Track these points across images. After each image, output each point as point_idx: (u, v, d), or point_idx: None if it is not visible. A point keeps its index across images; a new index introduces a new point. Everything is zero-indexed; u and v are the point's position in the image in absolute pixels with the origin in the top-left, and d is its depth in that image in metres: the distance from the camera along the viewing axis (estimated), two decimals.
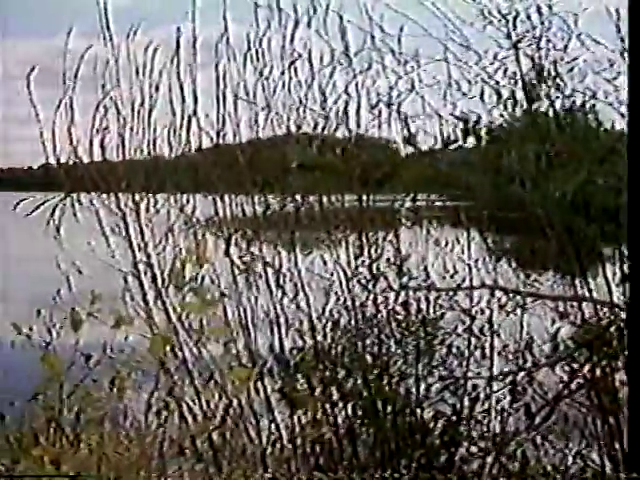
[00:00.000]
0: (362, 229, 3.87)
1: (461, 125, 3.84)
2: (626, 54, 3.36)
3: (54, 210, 3.77)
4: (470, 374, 3.85)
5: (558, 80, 3.77)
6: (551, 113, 3.85)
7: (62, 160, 3.94)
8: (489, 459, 3.82)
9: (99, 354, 3.44)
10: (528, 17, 3.77)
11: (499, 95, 3.79)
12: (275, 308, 3.94)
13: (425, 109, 3.91)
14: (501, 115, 3.83)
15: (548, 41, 3.77)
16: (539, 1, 3.76)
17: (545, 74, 3.75)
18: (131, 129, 4.02)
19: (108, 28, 3.89)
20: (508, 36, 3.79)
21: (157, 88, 3.92)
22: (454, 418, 3.71)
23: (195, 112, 3.93)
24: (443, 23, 3.83)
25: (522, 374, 3.75)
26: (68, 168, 4.01)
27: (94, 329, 3.45)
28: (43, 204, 3.75)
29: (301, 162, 3.78)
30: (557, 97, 3.81)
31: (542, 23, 3.74)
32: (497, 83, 3.80)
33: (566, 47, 3.78)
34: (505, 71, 3.79)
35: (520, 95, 3.79)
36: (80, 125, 3.99)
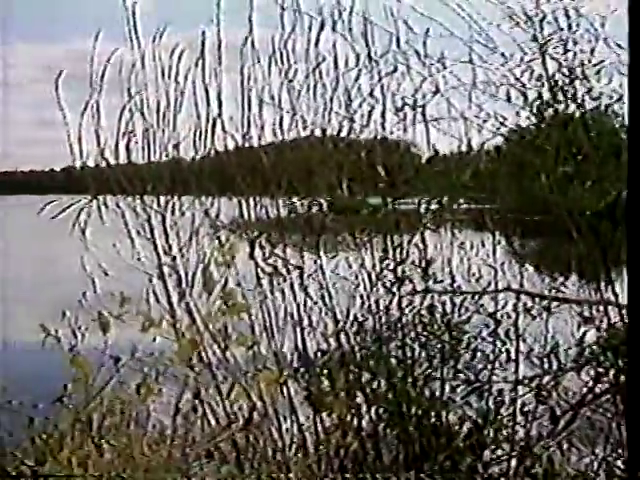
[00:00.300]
0: (387, 232, 3.86)
1: (488, 128, 3.83)
2: None
3: (80, 213, 3.78)
4: (495, 378, 3.84)
5: (585, 82, 3.75)
6: (578, 116, 3.83)
7: (89, 163, 3.95)
8: (513, 463, 3.81)
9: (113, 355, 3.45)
10: (555, 19, 3.75)
11: (525, 97, 3.78)
12: (299, 311, 3.94)
13: (450, 111, 3.90)
14: (527, 118, 3.81)
15: (575, 43, 3.76)
16: (566, 3, 3.75)
17: (572, 76, 3.73)
18: (154, 132, 4.03)
19: (136, 32, 3.90)
20: (534, 38, 3.78)
21: (182, 93, 3.92)
22: (480, 421, 3.69)
23: (220, 115, 3.93)
24: (468, 25, 3.83)
25: (547, 378, 3.73)
26: (93, 171, 4.03)
27: (117, 331, 3.47)
28: (70, 207, 3.77)
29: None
30: (584, 100, 3.80)
31: (569, 26, 3.72)
32: (523, 85, 3.78)
33: (593, 50, 3.76)
34: (531, 73, 3.77)
35: (547, 97, 3.77)
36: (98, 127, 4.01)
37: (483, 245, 3.93)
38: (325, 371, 3.70)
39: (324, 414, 3.75)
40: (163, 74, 3.95)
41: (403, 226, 3.91)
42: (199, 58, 3.91)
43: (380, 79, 3.91)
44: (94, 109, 3.88)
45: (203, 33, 3.92)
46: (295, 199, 3.93)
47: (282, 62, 3.97)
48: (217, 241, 3.81)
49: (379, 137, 4.05)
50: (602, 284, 3.92)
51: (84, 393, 3.36)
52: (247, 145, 4.08)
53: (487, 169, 3.98)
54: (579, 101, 3.84)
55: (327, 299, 3.87)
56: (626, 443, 3.39)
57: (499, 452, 3.77)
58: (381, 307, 3.83)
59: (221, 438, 3.49)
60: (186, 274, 3.83)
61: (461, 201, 4.17)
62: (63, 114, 3.90)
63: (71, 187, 5.40)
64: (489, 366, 3.79)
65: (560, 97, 3.76)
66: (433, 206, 3.86)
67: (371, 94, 3.91)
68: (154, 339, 3.09)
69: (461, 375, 3.74)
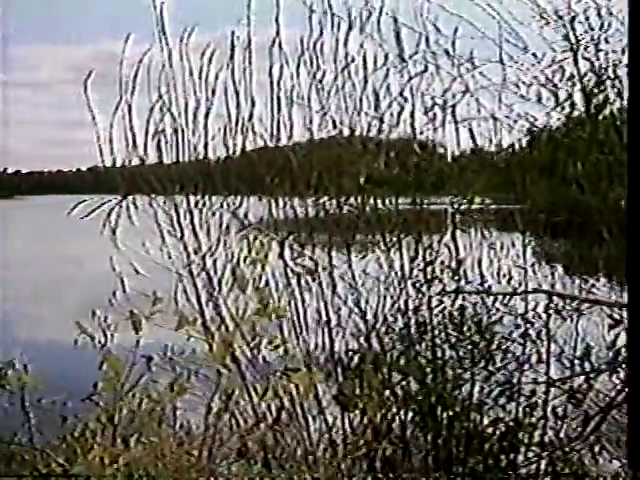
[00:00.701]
0: (417, 232, 3.85)
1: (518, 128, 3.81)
2: None
3: (110, 212, 3.80)
4: (525, 379, 3.82)
5: (617, 83, 3.72)
6: (609, 116, 3.80)
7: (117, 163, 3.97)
8: (542, 465, 3.79)
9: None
10: (586, 19, 3.73)
11: (557, 98, 3.75)
12: (327, 311, 3.93)
13: (480, 111, 3.89)
14: (559, 118, 3.79)
15: (607, 43, 3.73)
16: (597, 2, 3.72)
17: (604, 76, 3.70)
18: (183, 131, 4.04)
19: (164, 32, 3.91)
20: (566, 38, 3.75)
21: (213, 92, 3.93)
22: (511, 423, 3.67)
23: (252, 116, 3.94)
24: (499, 24, 3.80)
25: (579, 381, 3.71)
26: (121, 171, 4.04)
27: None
28: (100, 207, 3.78)
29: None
30: (615, 100, 3.77)
31: (601, 25, 3.69)
32: (555, 86, 3.76)
33: (624, 49, 3.72)
34: (563, 73, 3.74)
35: (578, 98, 3.75)
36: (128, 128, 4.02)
37: (513, 245, 3.91)
38: (355, 371, 3.70)
39: (352, 414, 3.75)
40: (191, 74, 3.96)
41: (433, 226, 3.90)
42: (229, 59, 3.92)
43: (410, 79, 3.90)
44: (125, 110, 3.90)
45: (232, 33, 3.93)
46: (325, 199, 3.93)
47: (311, 63, 3.97)
48: (245, 240, 3.81)
49: (406, 137, 4.04)
50: None
51: (114, 391, 3.37)
52: (275, 145, 4.08)
53: (518, 165, 3.96)
54: (610, 101, 3.81)
55: (357, 299, 3.87)
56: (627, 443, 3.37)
57: (529, 454, 3.75)
58: (410, 307, 3.83)
59: (249, 437, 3.49)
60: (215, 273, 3.85)
61: (489, 201, 4.16)
62: (92, 115, 3.92)
63: (98, 187, 5.42)
64: (520, 367, 3.78)
65: (592, 97, 3.73)
66: (463, 206, 3.85)
67: (401, 94, 3.91)
68: (188, 338, 3.09)
69: (492, 376, 3.72)
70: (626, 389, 3.77)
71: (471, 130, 3.86)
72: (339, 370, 3.85)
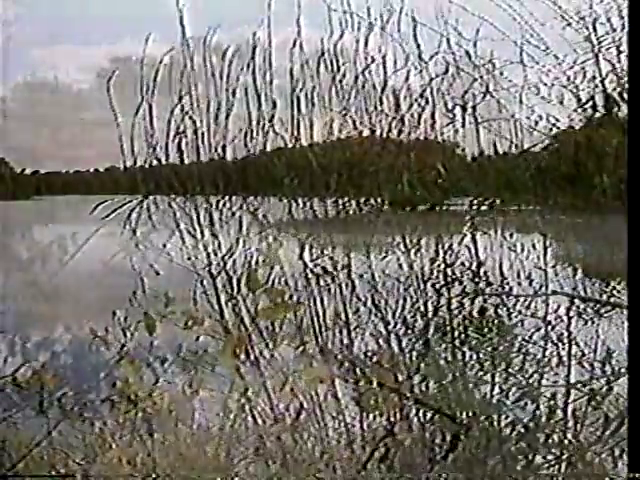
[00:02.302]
0: (438, 233, 3.85)
1: (538, 129, 3.79)
2: None
3: (131, 212, 3.82)
4: (545, 382, 3.79)
5: None
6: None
7: (138, 163, 3.98)
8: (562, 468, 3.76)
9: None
10: (608, 20, 3.71)
11: (578, 99, 3.74)
12: (346, 311, 3.93)
13: (501, 112, 3.88)
14: (580, 119, 3.77)
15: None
16: (619, 3, 3.70)
17: (625, 78, 3.67)
18: (202, 133, 4.05)
19: (183, 34, 3.93)
20: (587, 39, 3.73)
21: (234, 93, 3.94)
22: (531, 426, 3.64)
23: (273, 116, 3.95)
24: (520, 26, 3.80)
25: (599, 384, 3.68)
26: (142, 171, 4.06)
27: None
28: (121, 207, 3.80)
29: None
30: None
31: (622, 26, 3.67)
32: (576, 87, 3.74)
33: None
34: (584, 75, 3.73)
35: (600, 99, 3.73)
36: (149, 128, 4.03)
37: (534, 247, 3.89)
38: (374, 372, 3.69)
39: (371, 415, 3.74)
40: (214, 75, 3.98)
41: (454, 227, 3.90)
42: (250, 60, 3.93)
43: (431, 80, 3.90)
44: (145, 110, 3.92)
45: (254, 35, 3.94)
46: (344, 199, 3.93)
47: (331, 64, 3.98)
48: (259, 239, 3.82)
49: (424, 138, 4.04)
50: None
51: (132, 391, 3.39)
52: (294, 145, 4.09)
53: (539, 167, 3.94)
54: None
55: (376, 299, 3.87)
56: (627, 443, 3.34)
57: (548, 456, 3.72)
58: (430, 308, 3.82)
59: (267, 437, 3.49)
60: (234, 272, 3.86)
61: (509, 202, 4.13)
62: (115, 115, 3.94)
63: (116, 187, 5.46)
64: (540, 370, 3.76)
65: (613, 98, 3.71)
66: (483, 207, 3.84)
67: (421, 95, 3.90)
68: (197, 338, 3.10)
69: (512, 378, 3.70)
70: None
71: (490, 132, 3.85)
72: (358, 371, 3.85)
